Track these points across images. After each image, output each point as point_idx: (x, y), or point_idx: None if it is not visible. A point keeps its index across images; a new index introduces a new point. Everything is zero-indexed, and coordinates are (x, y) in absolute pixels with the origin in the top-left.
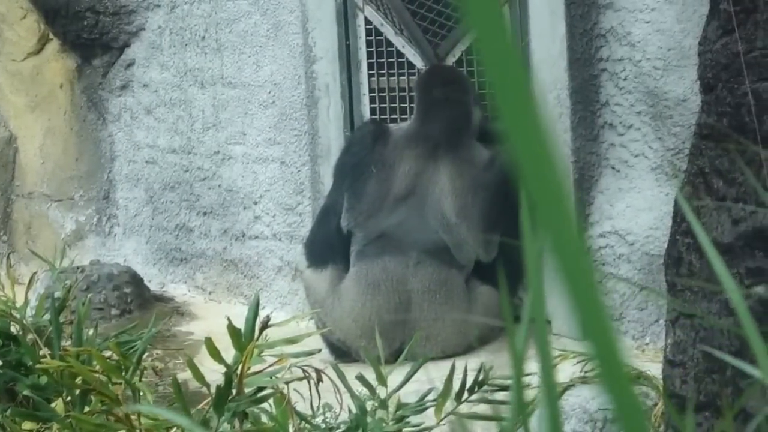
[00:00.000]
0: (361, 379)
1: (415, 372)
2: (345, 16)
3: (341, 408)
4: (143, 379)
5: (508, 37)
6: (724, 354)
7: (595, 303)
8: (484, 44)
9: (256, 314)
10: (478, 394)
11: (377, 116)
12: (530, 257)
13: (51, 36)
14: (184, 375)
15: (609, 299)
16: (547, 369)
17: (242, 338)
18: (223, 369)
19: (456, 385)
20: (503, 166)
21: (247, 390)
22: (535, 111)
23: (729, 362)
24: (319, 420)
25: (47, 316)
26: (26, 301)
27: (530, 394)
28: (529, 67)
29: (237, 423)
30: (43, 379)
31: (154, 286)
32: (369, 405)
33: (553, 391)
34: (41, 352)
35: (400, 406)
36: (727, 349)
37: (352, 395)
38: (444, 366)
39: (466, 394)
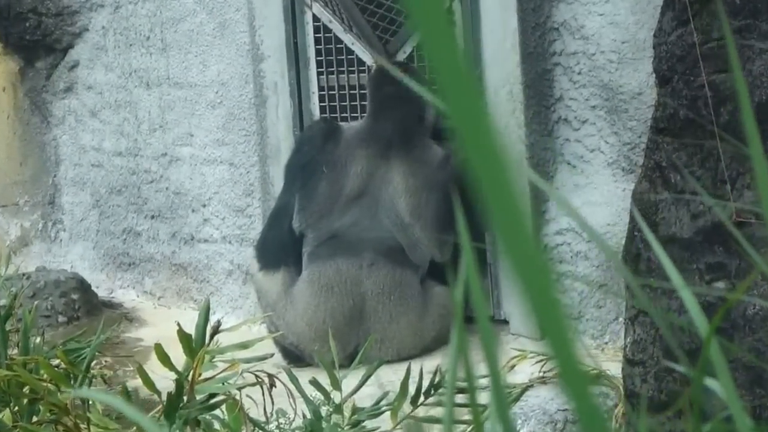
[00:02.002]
0: (315, 383)
1: (369, 376)
2: (292, 14)
3: (295, 413)
4: (92, 388)
5: (454, 36)
6: (683, 352)
7: (552, 302)
8: (430, 44)
9: (206, 319)
10: (434, 397)
11: (327, 115)
12: (467, 256)
13: None
14: (134, 382)
15: (567, 298)
16: (494, 369)
17: (193, 344)
18: (174, 376)
19: (412, 389)
20: (457, 165)
21: (198, 397)
22: (482, 109)
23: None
24: (272, 426)
25: None
26: None
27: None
28: (479, 62)
29: (189, 430)
30: None
31: (102, 292)
32: (323, 410)
33: (501, 393)
34: None
35: (355, 410)
36: (687, 346)
37: (306, 400)
38: (399, 369)
39: (422, 398)
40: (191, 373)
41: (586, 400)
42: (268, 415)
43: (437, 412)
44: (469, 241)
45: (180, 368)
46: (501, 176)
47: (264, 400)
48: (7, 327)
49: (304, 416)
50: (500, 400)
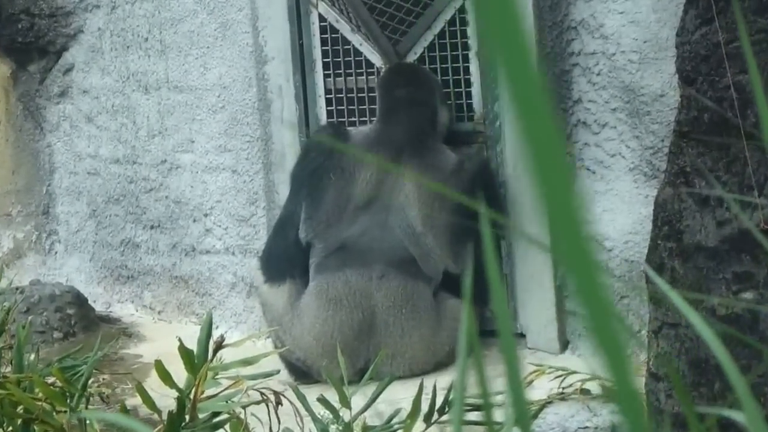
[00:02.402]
0: (323, 401)
1: (380, 392)
2: (297, 14)
3: None
4: (90, 407)
5: (525, 42)
6: (711, 366)
7: (608, 318)
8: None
9: (209, 334)
10: (448, 414)
11: (334, 119)
12: (491, 267)
13: None
14: (134, 401)
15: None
16: (516, 385)
17: (195, 360)
18: (175, 394)
19: (425, 406)
20: (472, 171)
21: (201, 416)
22: (549, 115)
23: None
24: None
25: None
26: None
27: (503, 413)
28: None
29: None
30: None
31: (99, 307)
32: (332, 429)
33: (523, 409)
34: None
35: (366, 429)
36: (713, 360)
37: (314, 419)
38: (412, 385)
39: (435, 415)
40: (193, 391)
41: (637, 420)
42: None
43: (452, 430)
44: (493, 250)
45: (181, 386)
46: (566, 194)
47: (270, 419)
48: (0, 343)
49: None
50: (522, 417)
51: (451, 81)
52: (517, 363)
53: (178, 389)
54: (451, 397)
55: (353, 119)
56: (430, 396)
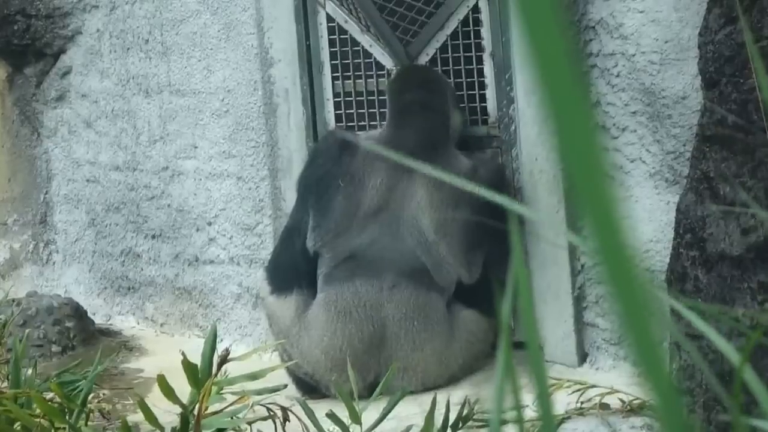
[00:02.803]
0: (332, 416)
1: (392, 408)
2: (304, 14)
3: None
4: (89, 423)
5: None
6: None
7: (646, 329)
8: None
9: (213, 347)
10: (463, 430)
11: (343, 124)
12: (519, 276)
13: None
14: (135, 417)
15: (608, 322)
16: (545, 400)
17: (199, 374)
18: (179, 409)
19: (438, 422)
20: (486, 177)
21: None
22: (590, 122)
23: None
24: None
25: None
26: None
27: (522, 429)
28: (509, 66)
29: None
30: None
31: (98, 319)
32: None
33: (551, 426)
34: None
35: None
36: None
37: None
38: (424, 400)
39: (449, 431)
40: (197, 407)
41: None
42: None
43: None
44: (520, 260)
45: (185, 401)
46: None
47: None
48: None
49: None
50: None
51: (464, 83)
52: (545, 376)
53: (182, 405)
54: (465, 412)
55: (363, 123)
56: (443, 412)
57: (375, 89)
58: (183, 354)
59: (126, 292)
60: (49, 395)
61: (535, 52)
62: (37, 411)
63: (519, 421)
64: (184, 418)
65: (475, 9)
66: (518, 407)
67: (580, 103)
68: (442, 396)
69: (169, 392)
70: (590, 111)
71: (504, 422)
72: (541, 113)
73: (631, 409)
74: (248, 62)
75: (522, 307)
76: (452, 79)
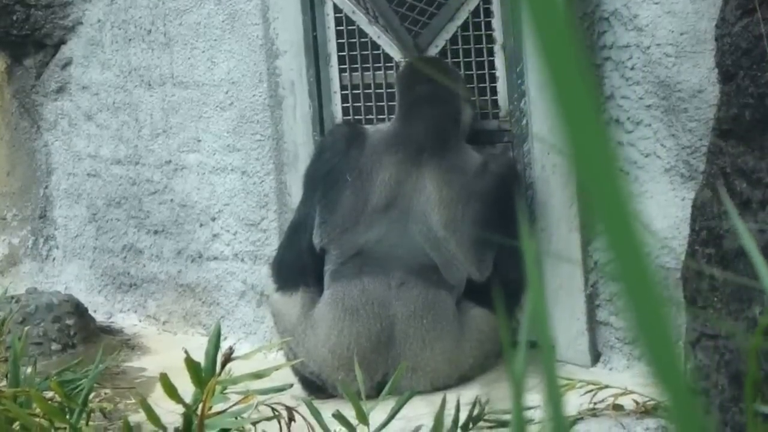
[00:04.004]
0: (339, 417)
1: (400, 408)
2: (311, 4)
3: None
4: (91, 423)
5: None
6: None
7: (661, 328)
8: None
9: (217, 346)
10: (473, 431)
11: (351, 117)
12: (531, 274)
13: None
14: (137, 417)
15: (621, 319)
16: (556, 400)
17: (202, 373)
18: (182, 409)
19: (448, 422)
20: (497, 172)
21: None
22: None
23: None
24: None
25: None
26: None
27: (533, 430)
28: (520, 58)
29: None
30: None
31: (99, 317)
32: None
33: (562, 425)
34: None
35: None
36: (756, 375)
37: None
38: (434, 400)
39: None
40: (200, 406)
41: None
42: None
43: None
44: (534, 256)
45: (188, 401)
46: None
47: None
48: None
49: None
50: None
51: (475, 76)
52: (556, 377)
53: (185, 404)
54: (475, 412)
55: (370, 117)
56: (453, 412)
57: (383, 82)
58: (186, 352)
59: (128, 289)
60: (49, 394)
61: (542, 45)
62: (37, 410)
63: (526, 422)
64: (187, 417)
65: (486, 0)
66: (522, 408)
67: (588, 98)
68: (451, 396)
69: (171, 391)
70: (599, 105)
71: (524, 423)
72: (550, 108)
73: (645, 411)
74: (253, 53)
75: (534, 307)
76: (462, 72)
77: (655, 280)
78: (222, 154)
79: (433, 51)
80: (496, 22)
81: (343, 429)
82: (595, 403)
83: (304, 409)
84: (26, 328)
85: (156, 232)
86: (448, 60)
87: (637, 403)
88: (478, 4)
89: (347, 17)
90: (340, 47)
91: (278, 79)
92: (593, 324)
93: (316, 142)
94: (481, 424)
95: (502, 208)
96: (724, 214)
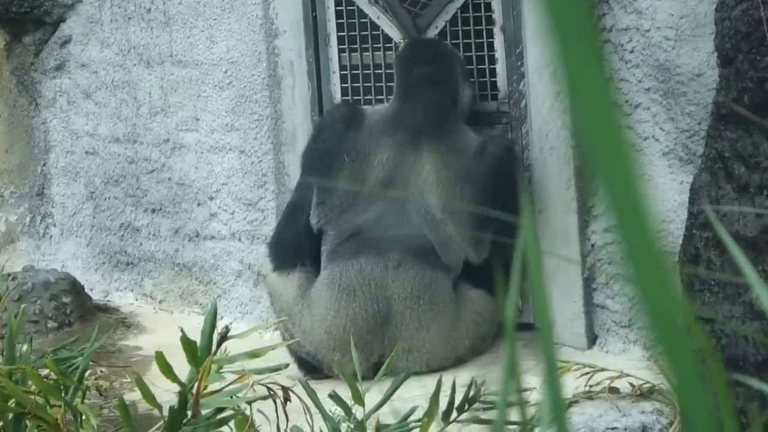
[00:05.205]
0: (334, 397)
1: (396, 389)
2: None
3: (312, 431)
4: (86, 401)
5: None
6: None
7: (667, 308)
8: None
9: (213, 325)
10: (468, 412)
11: (349, 97)
12: (531, 256)
13: None
14: (133, 395)
15: (619, 303)
16: (554, 382)
17: (198, 352)
18: (177, 388)
19: (443, 403)
20: (495, 154)
21: (204, 411)
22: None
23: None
24: None
25: None
26: None
27: (529, 412)
28: (520, 41)
29: None
30: None
31: (96, 295)
32: (344, 427)
33: (560, 408)
34: None
35: (380, 427)
36: (752, 358)
37: (325, 416)
38: (429, 382)
39: (455, 413)
40: (196, 385)
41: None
42: None
43: (471, 429)
44: (532, 239)
45: (184, 379)
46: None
47: (277, 416)
48: None
49: None
50: (559, 416)
51: (474, 57)
52: (555, 359)
53: (180, 383)
54: (471, 394)
55: (369, 97)
56: (448, 393)
57: (382, 62)
58: (182, 331)
59: (124, 268)
60: (45, 372)
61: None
62: (33, 388)
63: (524, 404)
64: (183, 396)
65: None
66: (521, 390)
67: (599, 76)
68: (447, 377)
69: (167, 370)
70: (608, 83)
71: (510, 404)
72: (556, 88)
73: (641, 394)
74: (252, 33)
75: (532, 288)
76: (462, 53)
77: (663, 259)
78: (220, 134)
79: (433, 32)
80: (496, 4)
81: (339, 409)
82: (591, 386)
83: (299, 390)
84: (23, 306)
85: (153, 211)
86: (448, 41)
87: (632, 386)
88: None
89: None
90: (339, 27)
91: (277, 58)
92: (590, 307)
93: (314, 122)
94: (476, 405)
95: (500, 190)
96: (722, 198)
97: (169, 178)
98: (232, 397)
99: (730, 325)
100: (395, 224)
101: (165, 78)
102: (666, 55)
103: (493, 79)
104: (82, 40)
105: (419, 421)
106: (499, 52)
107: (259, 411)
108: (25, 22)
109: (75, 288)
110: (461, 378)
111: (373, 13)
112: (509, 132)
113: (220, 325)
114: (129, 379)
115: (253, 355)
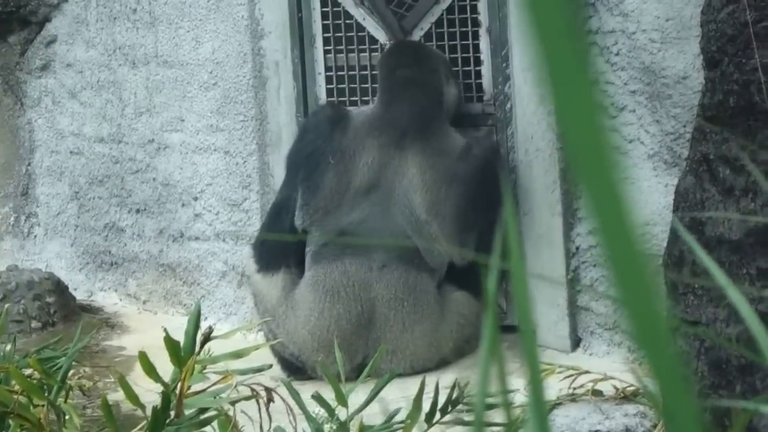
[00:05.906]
0: (318, 398)
1: (379, 390)
2: None
3: None
4: (69, 401)
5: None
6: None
7: (650, 310)
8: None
9: (196, 325)
10: (451, 414)
11: (334, 99)
12: (514, 258)
13: None
14: (116, 395)
15: (603, 306)
16: (536, 384)
17: (181, 353)
18: (160, 388)
19: (426, 405)
20: (480, 156)
21: (187, 412)
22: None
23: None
24: None
25: None
26: None
27: (512, 413)
28: (505, 43)
29: None
30: None
31: (80, 295)
32: (327, 428)
33: (542, 410)
34: None
35: (363, 428)
36: (736, 361)
37: (308, 417)
38: (413, 383)
39: (438, 415)
40: (179, 386)
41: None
42: None
43: (454, 431)
44: (516, 241)
45: (167, 380)
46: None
47: (260, 416)
48: None
49: None
50: (541, 419)
51: (459, 59)
52: (537, 360)
53: (164, 383)
54: (455, 395)
55: (354, 98)
56: (432, 395)
57: (368, 64)
58: (165, 332)
59: (108, 268)
60: (28, 371)
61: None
62: (16, 387)
63: (506, 405)
64: (166, 396)
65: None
66: (503, 391)
67: (583, 77)
68: (431, 379)
69: (150, 370)
70: (593, 84)
71: (489, 407)
72: (540, 89)
73: (624, 396)
74: (238, 34)
75: (516, 290)
76: (447, 55)
77: (645, 262)
78: (205, 134)
79: (418, 34)
80: (482, 6)
81: (322, 410)
82: (574, 388)
83: (283, 390)
84: (6, 306)
85: (138, 211)
86: (434, 43)
87: (616, 388)
88: None
89: None
90: (325, 28)
91: (262, 59)
92: (574, 309)
93: (299, 123)
94: (459, 407)
95: (485, 191)
96: (707, 200)
97: (154, 179)
98: (215, 398)
99: (713, 329)
100: (380, 226)
101: (150, 78)
102: (651, 57)
103: (478, 81)
104: (68, 40)
105: (402, 422)
106: (485, 54)
107: (243, 411)
108: (10, 22)
109: (59, 288)
110: (445, 379)
111: (359, 14)
112: (494, 134)
113: (204, 326)
114: (112, 379)
115: (237, 355)
